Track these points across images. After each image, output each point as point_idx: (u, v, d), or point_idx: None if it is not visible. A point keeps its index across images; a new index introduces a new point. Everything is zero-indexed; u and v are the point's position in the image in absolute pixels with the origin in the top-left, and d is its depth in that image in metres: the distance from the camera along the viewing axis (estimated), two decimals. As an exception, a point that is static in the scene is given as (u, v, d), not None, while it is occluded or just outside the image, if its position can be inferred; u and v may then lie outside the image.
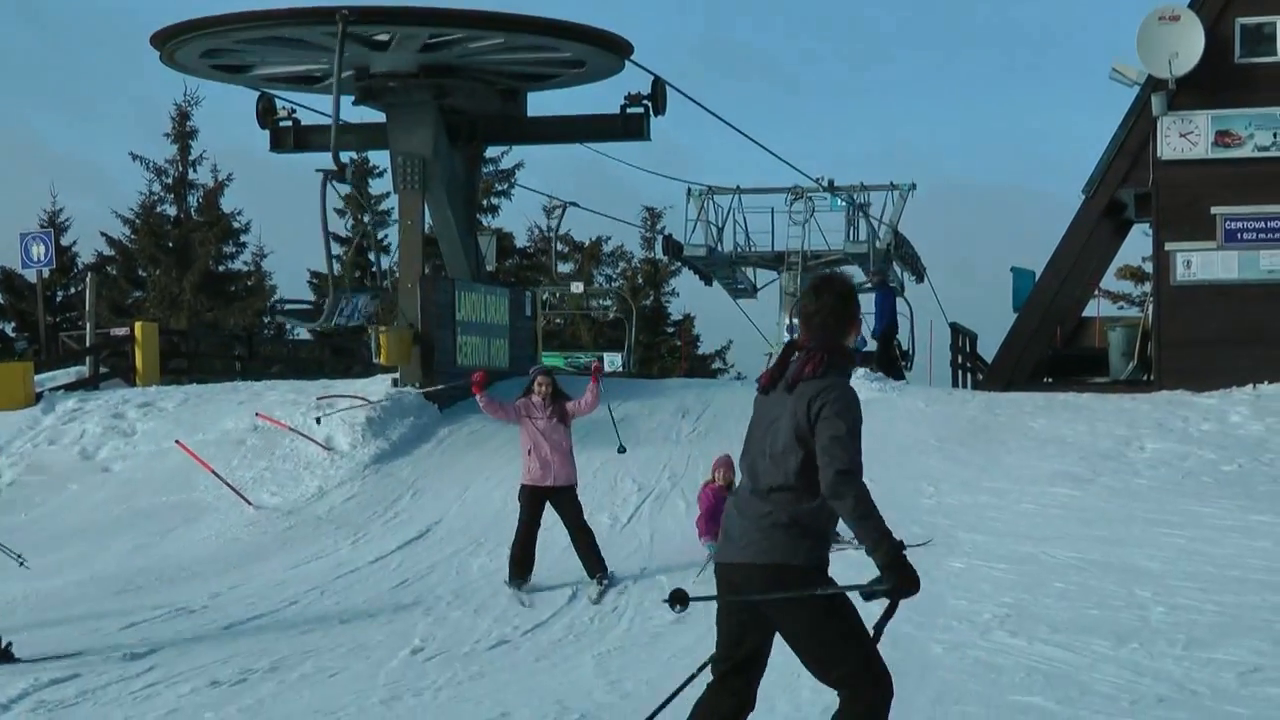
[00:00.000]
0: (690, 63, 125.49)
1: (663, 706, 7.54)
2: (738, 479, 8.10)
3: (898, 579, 6.95)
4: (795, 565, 7.14)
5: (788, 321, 40.98)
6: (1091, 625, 12.57)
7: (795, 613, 7.16)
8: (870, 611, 7.20)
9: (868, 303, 34.21)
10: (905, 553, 7.02)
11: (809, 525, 7.16)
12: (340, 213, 58.38)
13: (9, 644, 12.86)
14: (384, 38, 27.61)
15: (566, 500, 16.57)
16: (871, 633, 7.25)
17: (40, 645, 13.73)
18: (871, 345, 35.93)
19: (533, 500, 16.50)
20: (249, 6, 27.56)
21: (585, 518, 16.91)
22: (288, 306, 33.81)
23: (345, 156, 29.72)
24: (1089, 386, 29.41)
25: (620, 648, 12.92)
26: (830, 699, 7.44)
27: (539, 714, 10.30)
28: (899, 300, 35.52)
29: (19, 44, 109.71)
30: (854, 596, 7.15)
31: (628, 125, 30.66)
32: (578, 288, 53.22)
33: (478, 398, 16.96)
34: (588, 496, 21.52)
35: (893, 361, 32.25)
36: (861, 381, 28.06)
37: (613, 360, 47.54)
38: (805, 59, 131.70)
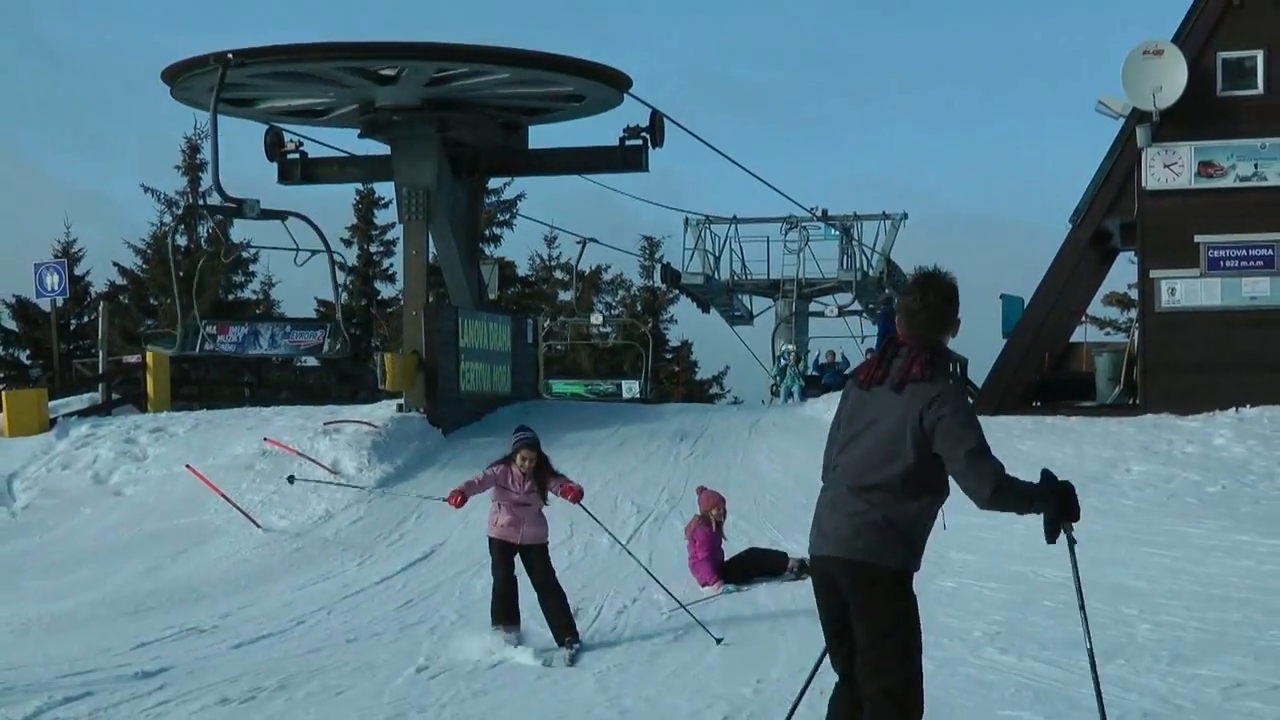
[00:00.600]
0: (688, 96, 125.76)
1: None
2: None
3: (1056, 514, 7.17)
4: (885, 567, 7.09)
5: (783, 346, 41.12)
6: (1079, 642, 12.52)
7: (872, 612, 7.14)
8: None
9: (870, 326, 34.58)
10: (1053, 486, 7.18)
11: (904, 529, 7.12)
12: (347, 242, 58.46)
13: None
14: (389, 72, 27.67)
15: (536, 558, 14.62)
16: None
17: (54, 665, 13.73)
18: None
19: (504, 554, 14.68)
20: (257, 42, 27.65)
21: (557, 577, 14.86)
22: (149, 331, 33.75)
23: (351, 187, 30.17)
24: (1076, 410, 29.39)
25: (620, 665, 12.91)
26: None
27: (540, 730, 10.31)
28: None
29: (33, 81, 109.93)
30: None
31: (626, 157, 30.74)
32: (597, 319, 53.49)
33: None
34: (586, 518, 21.56)
35: None
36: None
37: (630, 387, 47.70)
38: (799, 94, 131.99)
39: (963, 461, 6.94)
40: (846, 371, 37.85)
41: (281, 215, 28.26)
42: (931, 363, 7.04)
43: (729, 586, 16.83)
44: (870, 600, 7.09)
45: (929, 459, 7.04)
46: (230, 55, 26.99)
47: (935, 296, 7.22)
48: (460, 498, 14.71)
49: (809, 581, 16.18)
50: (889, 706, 7.13)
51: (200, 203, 29.81)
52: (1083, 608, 7.39)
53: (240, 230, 53.72)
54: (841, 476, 7.22)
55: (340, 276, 28.59)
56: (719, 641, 13.23)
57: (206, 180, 52.99)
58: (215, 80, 28.01)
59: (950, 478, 7.12)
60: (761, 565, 17.27)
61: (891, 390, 7.06)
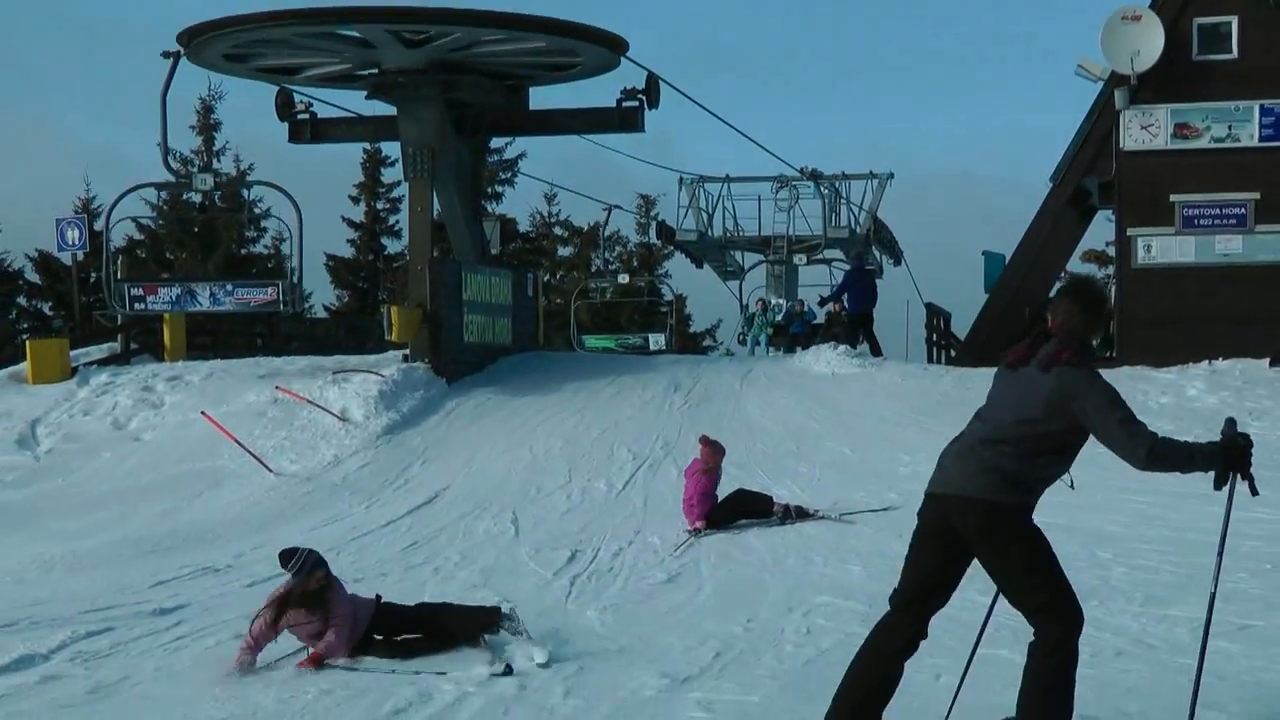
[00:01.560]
0: (682, 61, 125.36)
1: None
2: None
3: (1225, 465, 7.41)
4: (1005, 503, 7.37)
5: (773, 301, 41.11)
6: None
7: (1002, 542, 7.42)
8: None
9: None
10: (1221, 444, 7.38)
11: (1024, 479, 7.40)
12: (354, 199, 58.35)
13: None
14: (408, 35, 27.60)
15: (392, 613, 11.18)
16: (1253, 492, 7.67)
17: (76, 601, 13.78)
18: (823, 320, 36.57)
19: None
20: (269, 6, 27.57)
21: (430, 600, 12.22)
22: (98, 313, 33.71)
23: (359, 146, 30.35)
24: (1055, 363, 29.42)
25: (615, 605, 12.95)
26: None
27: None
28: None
29: (53, 43, 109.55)
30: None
31: (624, 118, 30.77)
32: (624, 279, 53.53)
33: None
34: (584, 464, 21.66)
35: (871, 339, 32.33)
36: (840, 358, 28.14)
37: (657, 339, 47.75)
38: (790, 58, 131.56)
39: (1117, 428, 7.24)
40: (815, 322, 38.95)
41: (246, 184, 28.54)
42: (1079, 353, 7.44)
43: (708, 531, 16.79)
44: (995, 536, 7.42)
45: (1061, 430, 7.39)
46: (181, 50, 28.16)
47: (1086, 300, 7.73)
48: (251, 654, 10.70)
49: (798, 525, 16.26)
50: (1049, 622, 7.54)
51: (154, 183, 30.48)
52: (1221, 554, 7.55)
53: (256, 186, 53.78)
54: (974, 433, 7.58)
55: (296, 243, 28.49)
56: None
57: (220, 140, 53.26)
58: (226, 46, 28.01)
59: (1107, 448, 7.44)
60: (747, 506, 17.26)
61: (1038, 370, 7.43)
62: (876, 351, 31.43)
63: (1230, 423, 7.49)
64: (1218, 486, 7.50)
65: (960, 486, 7.44)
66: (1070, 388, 7.28)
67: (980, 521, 7.39)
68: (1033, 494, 7.48)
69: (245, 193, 27.13)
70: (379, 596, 11.24)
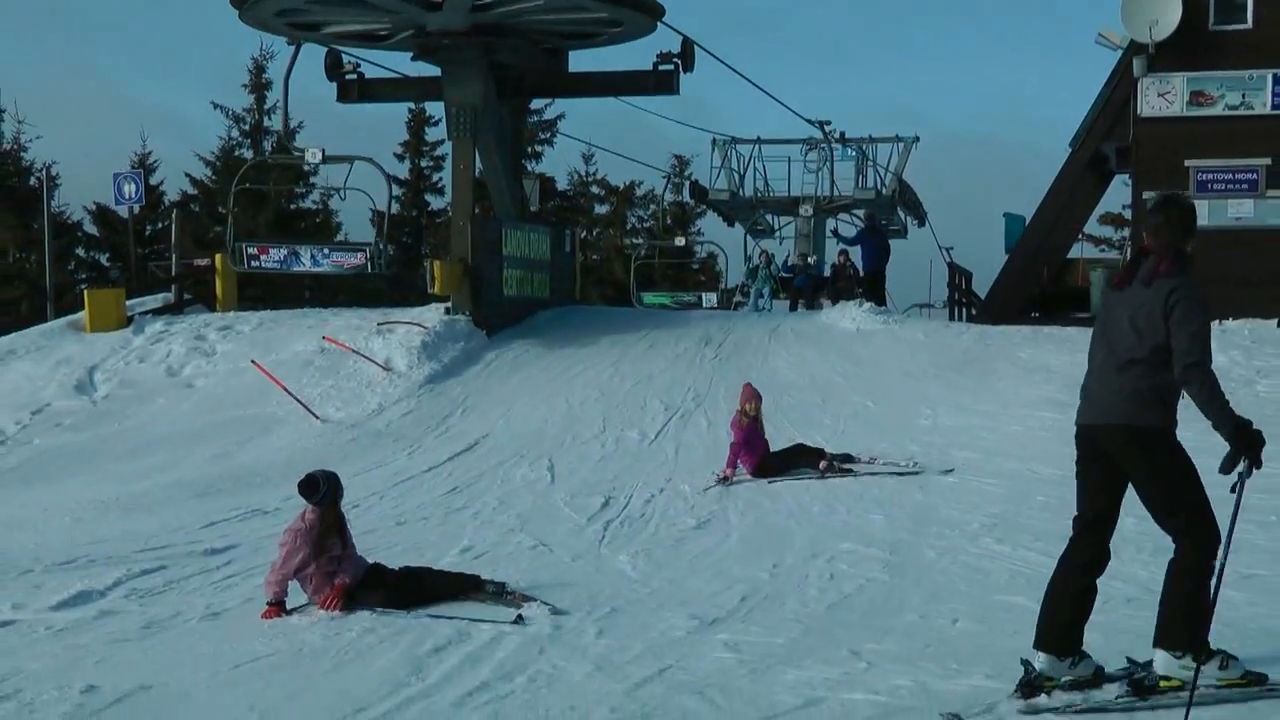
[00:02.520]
0: (716, 25, 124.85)
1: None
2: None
3: (1241, 446, 7.50)
4: (1147, 426, 7.57)
5: (754, 247, 41.37)
6: (1069, 534, 12.61)
7: (1146, 465, 7.65)
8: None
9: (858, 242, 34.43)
10: (1249, 425, 7.51)
11: (1160, 394, 7.57)
12: (399, 157, 58.37)
13: None
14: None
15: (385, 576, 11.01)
16: (1235, 491, 7.71)
17: (132, 541, 13.88)
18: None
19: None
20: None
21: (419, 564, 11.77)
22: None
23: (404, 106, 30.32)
24: (1072, 321, 29.36)
25: (647, 550, 13.00)
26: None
27: (575, 604, 10.40)
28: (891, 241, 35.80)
29: (110, 5, 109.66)
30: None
31: (659, 81, 30.69)
32: (680, 241, 53.62)
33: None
34: (618, 415, 21.69)
35: (881, 295, 32.41)
36: (866, 314, 28.10)
37: (709, 298, 47.84)
38: (822, 24, 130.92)
39: (1186, 339, 7.43)
40: (824, 274, 38.04)
41: (349, 159, 28.46)
42: (1175, 261, 7.63)
43: (737, 480, 16.84)
44: (1141, 457, 7.63)
45: None
46: (299, 39, 28.72)
47: (1175, 211, 7.87)
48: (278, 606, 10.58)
49: (828, 480, 16.25)
50: (1187, 544, 7.77)
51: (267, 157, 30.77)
52: (1232, 524, 7.77)
53: (305, 143, 53.81)
54: (1105, 361, 7.74)
55: (394, 207, 29.13)
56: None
57: (271, 98, 53.26)
58: (280, 5, 27.94)
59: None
60: (802, 459, 17.24)
61: (1141, 286, 7.63)
62: (880, 303, 31.57)
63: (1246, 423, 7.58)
64: (1223, 470, 7.61)
65: (1103, 415, 7.67)
66: (1170, 295, 7.47)
67: (1124, 446, 7.63)
68: (1170, 407, 7.66)
69: (348, 168, 27.69)
70: (367, 561, 11.07)
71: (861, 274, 34.08)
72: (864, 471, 16.87)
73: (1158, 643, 7.73)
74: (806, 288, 37.48)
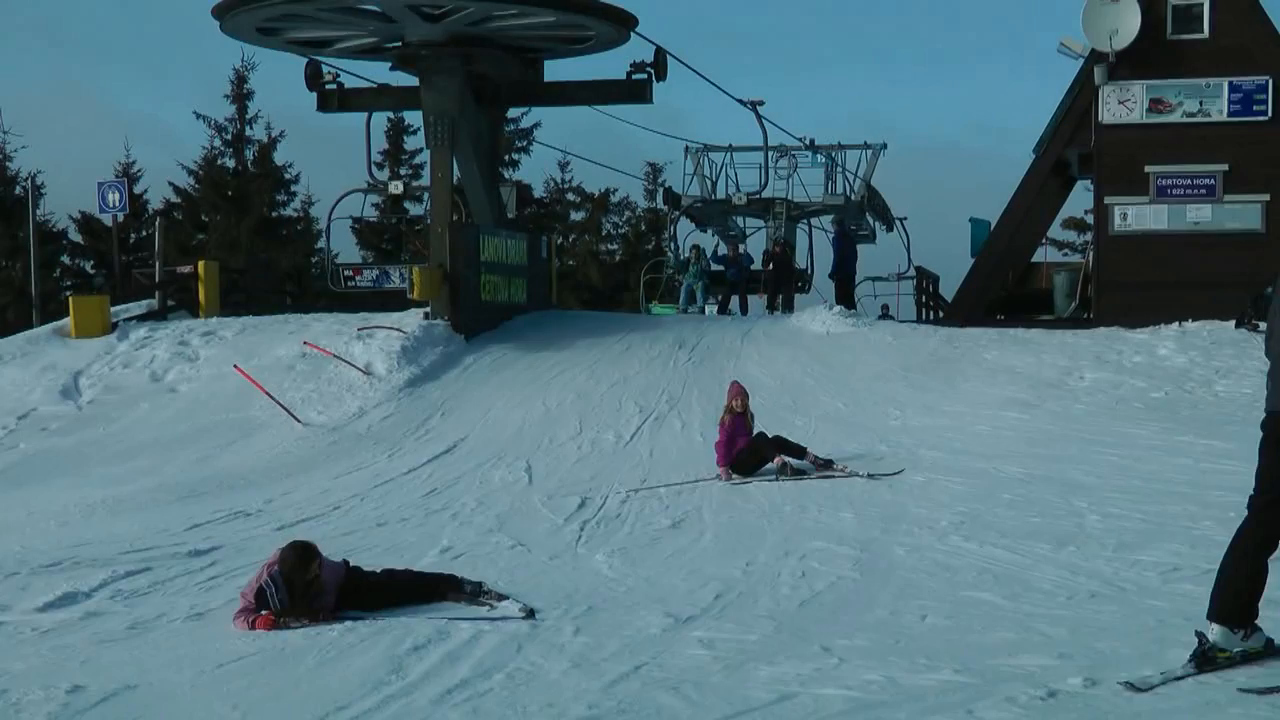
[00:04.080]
0: (687, 36, 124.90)
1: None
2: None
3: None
4: None
5: (743, 246, 41.17)
6: (1035, 531, 12.65)
7: None
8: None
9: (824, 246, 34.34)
10: None
11: None
12: (379, 165, 58.22)
13: None
14: (426, 10, 27.48)
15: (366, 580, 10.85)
16: None
17: (117, 543, 13.82)
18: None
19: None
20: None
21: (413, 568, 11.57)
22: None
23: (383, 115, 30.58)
24: (1036, 323, 29.46)
25: (623, 549, 12.98)
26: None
27: (551, 603, 10.38)
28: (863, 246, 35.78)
29: (94, 15, 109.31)
30: None
31: (633, 90, 30.69)
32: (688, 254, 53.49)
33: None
34: (594, 417, 21.68)
35: (848, 297, 32.50)
36: (835, 318, 28.12)
37: (711, 307, 47.53)
38: (790, 35, 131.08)
39: None
40: (753, 267, 36.77)
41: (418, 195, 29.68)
42: None
43: (736, 478, 16.87)
44: None
45: None
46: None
47: None
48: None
49: (800, 481, 16.23)
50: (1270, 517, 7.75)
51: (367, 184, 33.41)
52: None
53: (286, 153, 53.72)
54: (1274, 351, 7.79)
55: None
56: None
57: (252, 108, 53.11)
58: (257, 20, 27.89)
59: None
60: (785, 448, 17.24)
61: None
62: (850, 306, 31.63)
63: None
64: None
65: (1271, 403, 7.70)
66: None
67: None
68: None
69: (411, 205, 29.58)
70: (347, 562, 10.93)
71: (829, 276, 34.05)
72: (818, 476, 16.84)
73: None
74: (740, 281, 36.25)
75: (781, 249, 36.01)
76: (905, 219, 42.45)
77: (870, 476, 16.56)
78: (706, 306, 36.64)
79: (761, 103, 35.64)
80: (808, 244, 40.44)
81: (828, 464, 17.17)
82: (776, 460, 17.09)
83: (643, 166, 63.55)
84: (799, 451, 17.31)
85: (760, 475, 17.03)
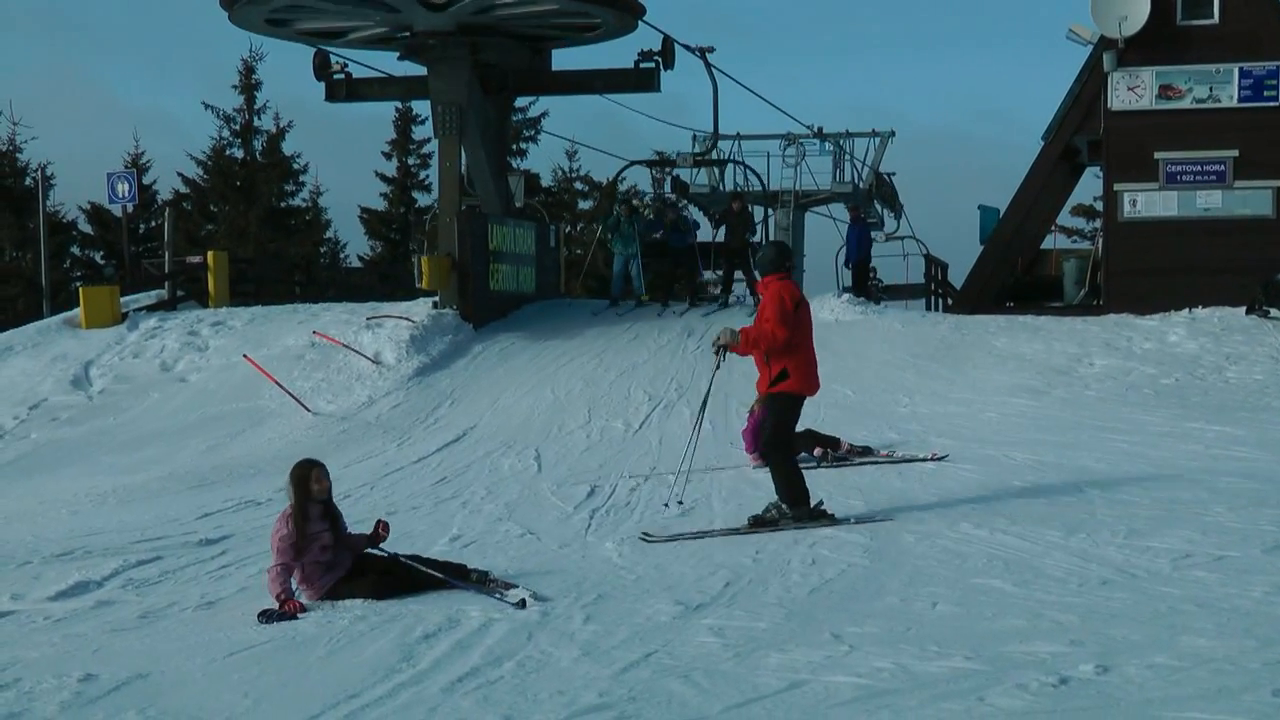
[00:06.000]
0: (696, 24, 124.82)
1: None
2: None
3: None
4: None
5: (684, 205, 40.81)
6: (1045, 518, 12.62)
7: None
8: None
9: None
10: None
11: None
12: (386, 155, 58.17)
13: None
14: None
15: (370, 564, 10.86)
16: None
17: (128, 532, 13.84)
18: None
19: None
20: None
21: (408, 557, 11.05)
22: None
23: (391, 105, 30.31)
24: (1045, 310, 29.43)
25: (632, 537, 12.96)
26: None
27: (563, 591, 10.37)
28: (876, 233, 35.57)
29: (103, 8, 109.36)
30: None
31: (640, 79, 30.67)
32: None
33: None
34: (603, 405, 21.68)
35: (868, 287, 32.20)
36: (844, 305, 28.08)
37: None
38: (795, 22, 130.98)
39: None
40: (696, 238, 31.72)
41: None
42: None
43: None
44: None
45: None
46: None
47: None
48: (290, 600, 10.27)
49: (806, 474, 16.27)
50: None
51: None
52: None
53: (294, 143, 53.68)
54: None
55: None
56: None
57: (260, 99, 53.11)
58: (266, 10, 27.86)
59: None
60: (807, 443, 17.21)
61: None
62: (871, 296, 31.34)
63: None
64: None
65: None
66: None
67: None
68: None
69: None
70: (374, 535, 10.92)
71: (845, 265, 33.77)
72: (859, 462, 16.83)
73: None
74: (684, 250, 30.73)
75: (741, 207, 31.25)
76: (894, 174, 42.02)
77: (911, 460, 16.58)
78: (641, 292, 30.60)
79: (711, 49, 33.80)
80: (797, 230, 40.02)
81: (866, 450, 17.17)
82: (816, 451, 17.01)
83: (650, 154, 63.52)
84: (834, 443, 17.26)
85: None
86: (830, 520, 12.82)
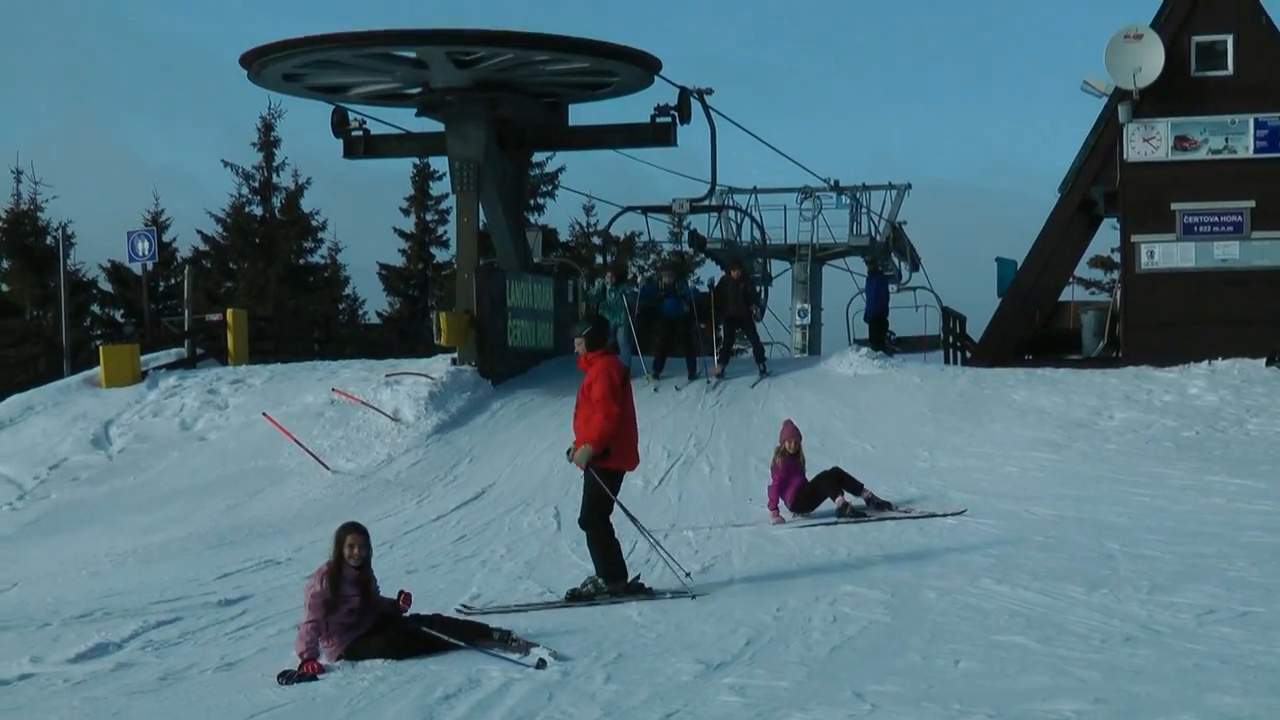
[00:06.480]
0: (712, 79, 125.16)
1: None
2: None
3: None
4: None
5: (799, 305, 40.74)
6: (1067, 573, 12.56)
7: None
8: None
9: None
10: None
11: None
12: (404, 211, 58.32)
13: None
14: (460, 57, 27.61)
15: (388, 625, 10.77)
16: None
17: (147, 592, 13.83)
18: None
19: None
20: (318, 26, 27.65)
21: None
22: None
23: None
24: (1064, 363, 29.35)
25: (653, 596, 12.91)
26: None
27: (583, 650, 10.33)
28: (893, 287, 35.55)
29: (123, 68, 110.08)
30: None
31: (657, 133, 30.72)
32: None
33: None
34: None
35: (883, 341, 32.15)
36: (862, 359, 28.03)
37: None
38: (811, 75, 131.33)
39: None
40: (697, 298, 28.92)
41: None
42: None
43: (797, 518, 16.92)
44: None
45: None
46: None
47: None
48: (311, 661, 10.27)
49: (824, 529, 16.20)
50: None
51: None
52: None
53: (313, 199, 53.83)
54: None
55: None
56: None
57: (279, 156, 53.34)
58: (287, 67, 28.03)
59: None
60: (844, 481, 17.27)
61: None
62: (887, 351, 31.24)
63: None
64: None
65: None
66: None
67: None
68: None
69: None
70: (399, 602, 10.85)
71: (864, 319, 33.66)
72: (878, 518, 16.81)
73: None
74: (681, 318, 27.78)
75: (740, 275, 28.78)
76: (905, 223, 42.03)
77: (931, 516, 16.55)
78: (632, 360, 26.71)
79: (710, 91, 33.46)
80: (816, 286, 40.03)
81: (885, 505, 17.17)
82: (837, 501, 17.09)
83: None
84: (857, 486, 17.32)
85: (817, 517, 17.05)
86: (648, 594, 12.69)
